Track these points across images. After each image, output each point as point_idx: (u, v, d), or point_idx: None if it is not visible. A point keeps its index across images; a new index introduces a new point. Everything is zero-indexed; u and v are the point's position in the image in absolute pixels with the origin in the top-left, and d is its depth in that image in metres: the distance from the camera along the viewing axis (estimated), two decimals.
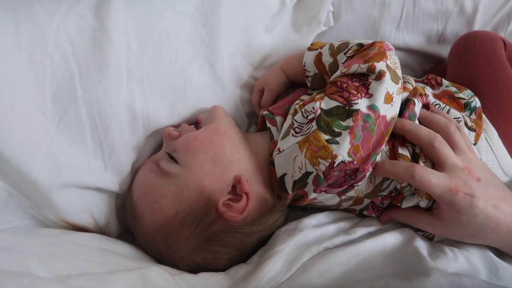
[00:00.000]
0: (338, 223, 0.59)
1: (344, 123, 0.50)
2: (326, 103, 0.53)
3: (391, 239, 0.54)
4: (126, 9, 0.53)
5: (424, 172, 0.50)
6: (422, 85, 0.68)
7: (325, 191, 0.55)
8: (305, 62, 0.65)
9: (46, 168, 0.48)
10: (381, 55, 0.54)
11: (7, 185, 0.48)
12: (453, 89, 0.65)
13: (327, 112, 0.51)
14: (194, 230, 0.52)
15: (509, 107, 0.62)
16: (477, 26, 0.84)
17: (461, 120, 0.59)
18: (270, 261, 0.52)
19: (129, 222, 0.56)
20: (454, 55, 0.74)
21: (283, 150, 0.53)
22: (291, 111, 0.58)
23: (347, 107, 0.51)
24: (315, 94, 0.58)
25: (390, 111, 0.52)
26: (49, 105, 0.49)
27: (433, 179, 0.49)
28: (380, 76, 0.52)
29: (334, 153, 0.49)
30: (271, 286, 0.50)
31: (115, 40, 0.51)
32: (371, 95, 0.51)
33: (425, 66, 0.90)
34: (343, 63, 0.58)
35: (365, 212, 0.60)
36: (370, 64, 0.53)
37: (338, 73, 0.56)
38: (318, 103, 0.53)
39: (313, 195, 0.54)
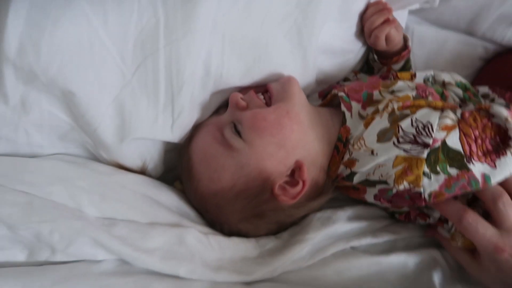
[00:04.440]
0: (369, 221, 0.60)
1: (449, 170, 0.47)
2: (453, 140, 0.48)
3: (413, 260, 0.55)
4: None
5: (474, 221, 0.48)
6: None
7: (381, 202, 0.55)
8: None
9: (111, 113, 0.48)
10: None
11: (71, 120, 0.48)
12: None
13: (447, 151, 0.48)
14: (246, 204, 0.54)
15: None
16: None
17: None
18: (298, 246, 0.54)
19: (182, 173, 0.58)
20: None
21: (376, 154, 0.51)
22: (386, 107, 0.53)
23: (465, 160, 0.47)
24: (421, 100, 0.53)
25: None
26: (130, 49, 0.47)
27: (480, 229, 0.48)
28: None
29: (421, 184, 0.48)
30: (292, 268, 0.54)
31: None
32: (495, 168, 0.47)
33: None
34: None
35: (396, 216, 0.61)
36: None
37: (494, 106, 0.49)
38: (444, 133, 0.48)
39: (369, 199, 0.55)
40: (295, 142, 0.53)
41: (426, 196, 0.49)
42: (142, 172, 0.56)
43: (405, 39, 0.70)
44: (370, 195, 0.55)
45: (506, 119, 0.48)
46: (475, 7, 0.71)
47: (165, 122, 0.51)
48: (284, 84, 0.57)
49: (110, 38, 0.45)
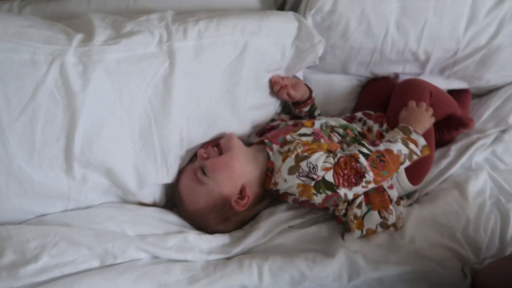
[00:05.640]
0: (298, 209, 0.96)
1: (327, 191, 0.84)
2: (329, 176, 0.83)
3: (328, 228, 0.92)
4: (183, 78, 0.83)
5: None
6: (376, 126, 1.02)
7: (296, 204, 0.92)
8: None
9: (132, 174, 0.83)
10: (389, 176, 0.85)
11: (110, 182, 0.83)
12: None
13: (324, 182, 0.84)
14: (217, 214, 0.88)
15: None
16: (429, 68, 1.12)
17: None
18: (255, 231, 0.89)
19: (176, 202, 0.92)
20: (395, 96, 1.05)
21: (287, 182, 0.86)
22: (294, 150, 0.87)
23: (335, 188, 0.83)
24: (315, 144, 0.89)
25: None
26: (137, 137, 0.83)
27: None
28: (369, 185, 0.84)
29: (313, 200, 0.85)
30: (254, 246, 0.89)
31: (175, 98, 0.83)
32: (351, 191, 0.84)
33: None
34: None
35: None
36: (378, 181, 0.84)
37: (357, 150, 0.85)
38: (324, 172, 0.83)
39: (290, 202, 0.92)
40: (239, 174, 0.88)
41: (317, 204, 0.87)
42: (154, 205, 0.91)
43: (310, 91, 1.07)
44: (290, 200, 0.92)
45: (366, 168, 0.84)
46: (341, 60, 1.10)
47: (162, 173, 0.87)
48: (227, 140, 0.92)
49: (126, 134, 0.81)
